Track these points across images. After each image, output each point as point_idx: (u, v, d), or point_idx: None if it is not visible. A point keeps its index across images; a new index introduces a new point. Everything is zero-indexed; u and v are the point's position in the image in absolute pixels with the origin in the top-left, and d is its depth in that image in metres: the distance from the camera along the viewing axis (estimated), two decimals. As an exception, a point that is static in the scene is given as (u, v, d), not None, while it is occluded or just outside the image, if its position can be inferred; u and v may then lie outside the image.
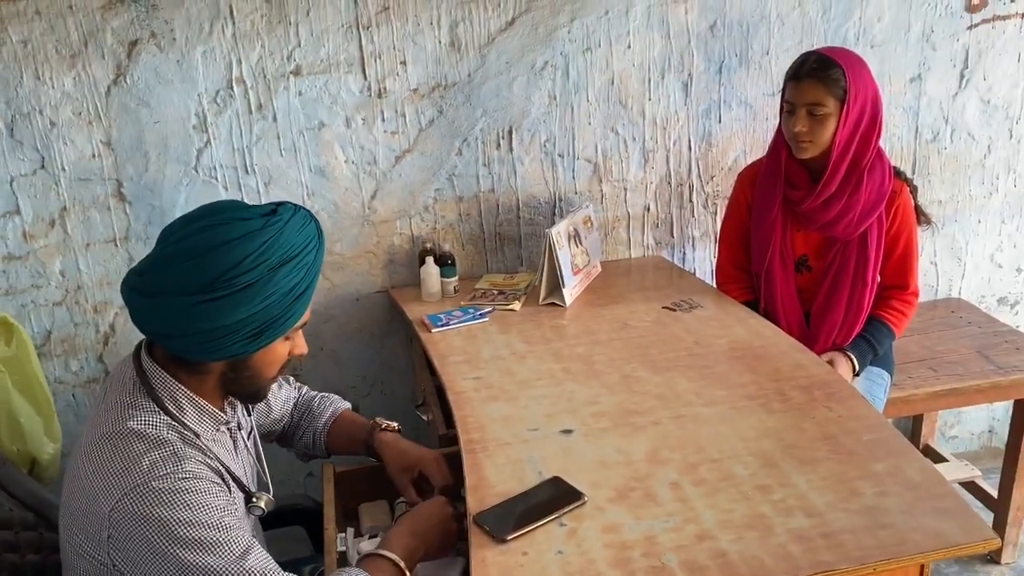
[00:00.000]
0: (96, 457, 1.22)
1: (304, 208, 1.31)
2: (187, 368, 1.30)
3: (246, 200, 2.34)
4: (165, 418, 1.26)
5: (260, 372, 1.32)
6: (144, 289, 1.23)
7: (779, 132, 2.17)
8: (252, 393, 1.38)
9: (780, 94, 2.14)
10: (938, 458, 2.76)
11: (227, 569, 1.18)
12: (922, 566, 1.30)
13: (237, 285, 1.19)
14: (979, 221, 2.86)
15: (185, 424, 1.28)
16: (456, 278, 2.44)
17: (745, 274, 2.37)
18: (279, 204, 1.28)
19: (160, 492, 1.18)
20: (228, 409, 1.41)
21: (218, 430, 1.37)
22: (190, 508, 1.18)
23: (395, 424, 1.70)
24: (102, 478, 1.20)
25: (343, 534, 1.56)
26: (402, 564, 1.33)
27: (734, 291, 2.34)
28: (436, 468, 1.60)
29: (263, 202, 2.36)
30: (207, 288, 1.18)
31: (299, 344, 1.37)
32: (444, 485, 1.57)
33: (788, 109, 2.09)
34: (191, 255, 1.20)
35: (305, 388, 1.79)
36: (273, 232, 1.22)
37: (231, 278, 1.19)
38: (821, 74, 2.01)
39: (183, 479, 1.20)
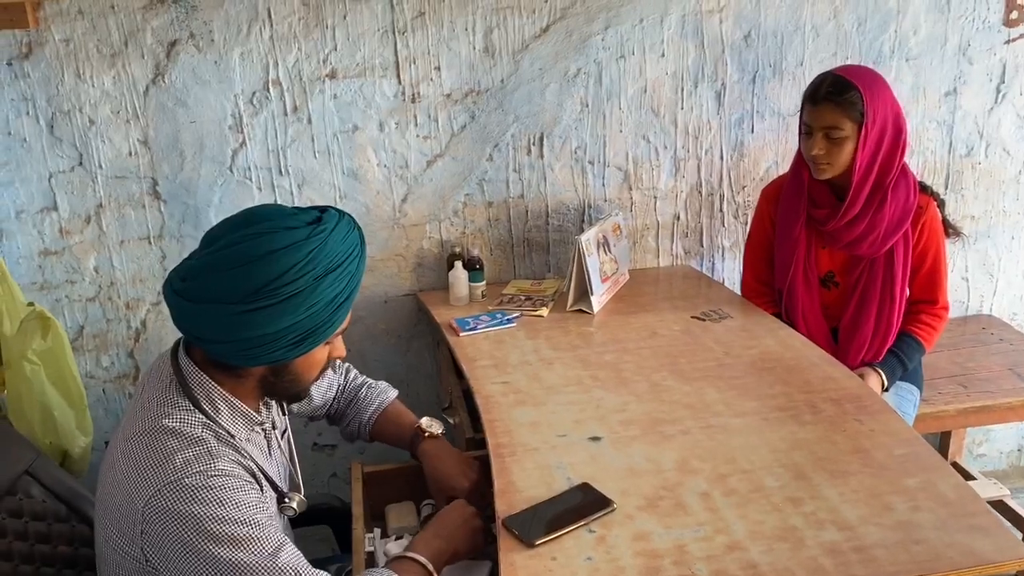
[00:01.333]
0: (131, 453, 1.23)
1: (348, 214, 1.30)
2: (226, 371, 1.30)
3: (279, 202, 2.36)
4: (200, 417, 1.27)
5: (300, 376, 1.33)
6: (188, 294, 1.23)
7: (800, 151, 2.16)
8: (293, 395, 1.38)
9: (799, 114, 2.12)
10: (966, 476, 2.72)
11: (260, 565, 1.18)
12: (955, 583, 1.29)
13: (282, 295, 1.19)
14: (1012, 238, 2.83)
15: (220, 424, 1.29)
16: (484, 283, 2.45)
17: (770, 289, 2.36)
18: (323, 211, 1.28)
19: (193, 488, 1.18)
20: (263, 410, 1.42)
21: (252, 430, 1.38)
22: (223, 505, 1.19)
23: (438, 428, 1.68)
24: (136, 474, 1.21)
25: (371, 534, 1.56)
26: (430, 566, 1.33)
27: (759, 305, 2.32)
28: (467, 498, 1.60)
29: (297, 204, 2.39)
30: (251, 297, 1.19)
31: (338, 347, 1.38)
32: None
33: (806, 131, 2.07)
34: (236, 263, 1.19)
35: (353, 372, 1.79)
36: (318, 242, 1.22)
37: (276, 288, 1.19)
38: (837, 98, 1.99)
39: (216, 476, 1.21)
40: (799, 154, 2.16)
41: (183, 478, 1.19)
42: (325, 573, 1.25)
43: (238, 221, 1.25)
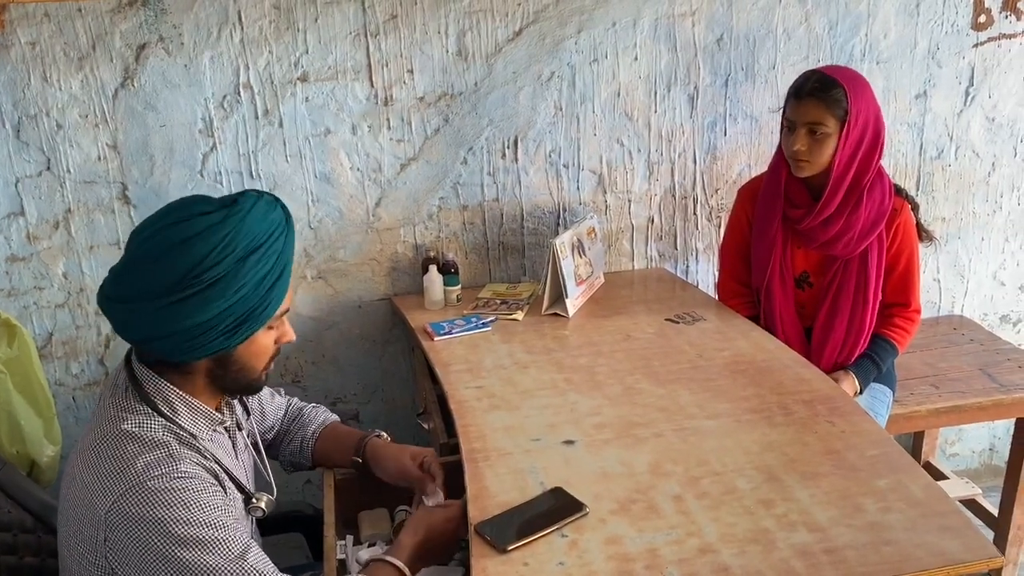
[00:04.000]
0: (91, 461, 1.22)
1: (269, 194, 1.29)
2: (175, 369, 1.28)
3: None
4: (160, 420, 1.26)
5: (248, 365, 1.31)
6: (116, 295, 1.22)
7: (780, 149, 2.17)
8: (245, 386, 1.35)
9: (781, 111, 2.14)
10: (938, 475, 2.75)
11: (225, 568, 1.17)
12: (925, 583, 1.29)
13: (205, 282, 1.18)
14: (982, 239, 2.86)
15: (180, 425, 1.27)
16: (459, 287, 2.44)
17: (747, 289, 2.37)
18: (241, 193, 1.26)
19: (155, 492, 1.17)
20: (225, 409, 1.40)
21: (215, 431, 1.36)
22: (187, 507, 1.18)
23: (387, 437, 1.69)
24: (97, 481, 1.19)
25: (343, 541, 1.55)
26: (407, 571, 1.32)
27: (735, 306, 2.33)
28: (435, 459, 1.60)
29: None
30: (175, 288, 1.17)
31: (286, 332, 1.35)
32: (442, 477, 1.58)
33: (788, 127, 2.09)
34: (154, 257, 1.18)
35: (296, 399, 1.78)
36: (235, 223, 1.20)
37: (197, 275, 1.17)
38: (823, 94, 2.01)
39: (178, 478, 1.19)
40: (778, 153, 2.17)
41: (145, 482, 1.17)
42: None
43: (156, 215, 1.24)
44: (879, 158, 2.08)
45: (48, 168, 2.25)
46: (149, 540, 1.16)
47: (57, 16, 2.14)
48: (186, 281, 1.17)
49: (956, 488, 2.64)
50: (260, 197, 1.26)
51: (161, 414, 1.26)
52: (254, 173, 2.36)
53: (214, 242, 1.18)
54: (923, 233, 2.25)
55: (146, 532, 1.16)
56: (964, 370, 2.48)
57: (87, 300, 2.37)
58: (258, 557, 1.22)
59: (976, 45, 2.63)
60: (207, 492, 1.22)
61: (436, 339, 2.17)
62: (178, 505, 1.17)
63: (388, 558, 1.34)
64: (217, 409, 1.37)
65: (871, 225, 2.12)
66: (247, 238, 1.20)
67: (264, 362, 1.34)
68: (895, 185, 2.18)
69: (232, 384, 1.33)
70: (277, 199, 1.29)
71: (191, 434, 1.28)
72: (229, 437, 1.42)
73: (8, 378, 1.98)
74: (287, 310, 1.32)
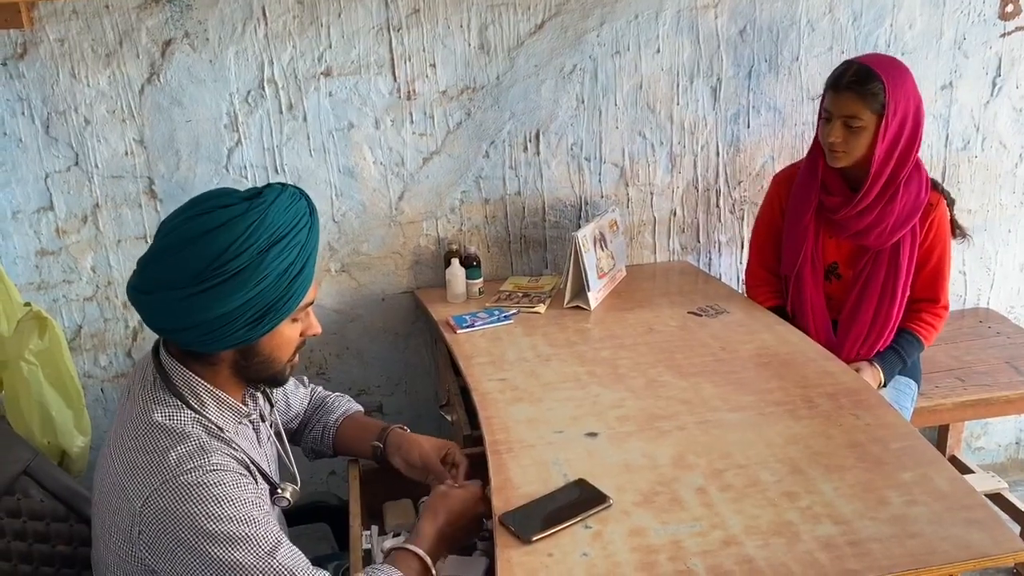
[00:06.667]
0: (125, 453, 1.23)
1: (293, 186, 1.29)
2: (200, 360, 1.30)
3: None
4: (188, 412, 1.27)
5: (271, 356, 1.31)
6: (142, 287, 1.24)
7: (816, 138, 2.16)
8: (269, 378, 1.36)
9: (820, 99, 2.12)
10: (964, 469, 2.72)
11: (256, 565, 1.18)
12: (950, 576, 1.29)
13: (227, 273, 1.18)
14: (1009, 231, 2.83)
15: (208, 418, 1.29)
16: (481, 280, 2.45)
17: (775, 278, 2.36)
18: (267, 185, 1.27)
19: (188, 487, 1.19)
20: (249, 401, 1.41)
21: (240, 423, 1.37)
22: (218, 502, 1.19)
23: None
24: (131, 474, 1.21)
25: (367, 532, 1.57)
26: (428, 560, 1.33)
27: (763, 295, 2.33)
28: (459, 450, 1.61)
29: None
30: (197, 279, 1.18)
31: (311, 324, 1.36)
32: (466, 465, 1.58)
33: (825, 117, 2.07)
34: (178, 248, 1.20)
35: (319, 388, 1.79)
36: (257, 215, 1.20)
37: (219, 266, 1.18)
38: (860, 88, 1.99)
39: (211, 472, 1.21)
40: (816, 141, 2.16)
41: (178, 476, 1.19)
42: (323, 571, 1.25)
43: (181, 207, 1.25)
44: (917, 150, 2.06)
45: (76, 163, 2.28)
46: (181, 535, 1.17)
47: (85, 13, 2.16)
48: (209, 272, 1.18)
49: (982, 482, 2.62)
50: (284, 189, 1.27)
51: (190, 407, 1.28)
52: (278, 167, 2.38)
53: (236, 233, 1.19)
54: (957, 229, 2.22)
55: (178, 527, 1.17)
56: (990, 363, 2.45)
57: (115, 293, 2.41)
58: (288, 552, 1.22)
59: (1003, 35, 2.60)
60: (239, 486, 1.23)
61: (459, 332, 2.18)
62: (210, 500, 1.18)
63: (409, 546, 1.34)
64: (242, 401, 1.38)
65: (905, 218, 2.10)
66: (269, 230, 1.21)
67: (288, 354, 1.34)
68: (932, 180, 2.15)
69: (256, 375, 1.34)
70: (301, 191, 1.29)
71: (218, 427, 1.29)
72: (253, 429, 1.43)
73: (39, 370, 2.01)
74: (311, 303, 1.33)
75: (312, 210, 1.29)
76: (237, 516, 1.20)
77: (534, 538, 1.33)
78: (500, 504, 1.42)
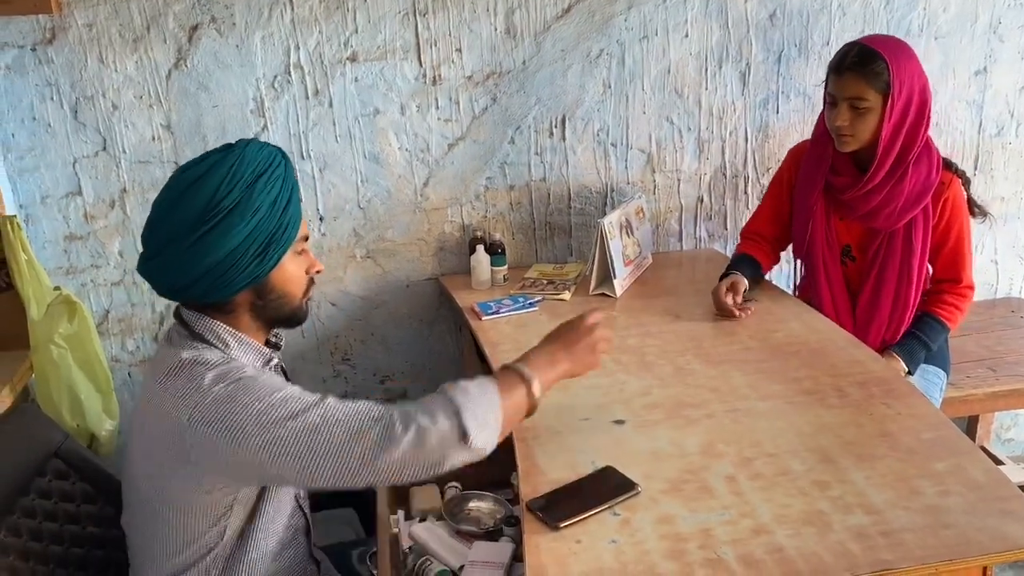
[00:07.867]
0: (159, 394, 1.28)
1: (257, 139, 1.38)
2: (219, 310, 1.34)
3: (302, 186, 2.36)
4: (215, 350, 1.32)
5: (285, 291, 1.36)
6: (148, 254, 1.31)
7: (822, 119, 2.13)
8: (289, 315, 1.40)
9: (824, 84, 2.09)
10: (994, 460, 2.68)
11: (309, 408, 1.24)
12: (985, 568, 1.27)
13: (223, 210, 1.25)
14: (1043, 219, 2.79)
15: (232, 357, 1.33)
16: (506, 267, 2.44)
17: (764, 242, 2.32)
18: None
19: (230, 391, 1.24)
20: (273, 353, 1.45)
21: (267, 366, 1.40)
22: (260, 388, 1.25)
23: None
24: (171, 403, 1.25)
25: (395, 516, 1.57)
26: (535, 384, 1.36)
27: (749, 250, 2.30)
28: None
29: (319, 188, 2.39)
30: (197, 224, 1.25)
31: (313, 262, 1.42)
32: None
33: (830, 101, 2.04)
34: (170, 206, 1.27)
35: None
36: (235, 157, 1.29)
37: (214, 206, 1.25)
38: (863, 68, 1.95)
39: (245, 377, 1.27)
40: (822, 126, 2.13)
41: (217, 388, 1.24)
42: (367, 402, 1.28)
43: (165, 183, 1.34)
44: (926, 130, 2.03)
45: (104, 148, 2.29)
46: (235, 421, 1.21)
47: (113, -2, 2.17)
48: (206, 214, 1.25)
49: (1013, 473, 2.58)
50: (252, 139, 1.36)
51: (214, 347, 1.33)
52: (304, 153, 2.38)
53: (222, 173, 1.26)
54: (975, 208, 2.18)
55: (232, 416, 1.22)
56: (1022, 353, 2.42)
57: (142, 278, 2.41)
58: (334, 398, 1.27)
59: (1040, 18, 2.55)
60: (274, 380, 1.29)
61: (484, 319, 2.18)
62: (253, 389, 1.24)
63: (518, 366, 1.38)
64: (265, 345, 1.42)
65: (915, 198, 2.06)
66: (251, 165, 1.29)
67: (300, 289, 1.40)
68: (944, 159, 2.12)
69: (276, 313, 1.38)
70: (267, 142, 1.38)
71: (243, 364, 1.33)
72: (281, 374, 1.47)
73: (69, 354, 2.04)
74: (307, 237, 1.39)
75: (281, 151, 1.37)
76: (281, 391, 1.26)
77: (562, 525, 1.32)
78: (528, 491, 1.42)
